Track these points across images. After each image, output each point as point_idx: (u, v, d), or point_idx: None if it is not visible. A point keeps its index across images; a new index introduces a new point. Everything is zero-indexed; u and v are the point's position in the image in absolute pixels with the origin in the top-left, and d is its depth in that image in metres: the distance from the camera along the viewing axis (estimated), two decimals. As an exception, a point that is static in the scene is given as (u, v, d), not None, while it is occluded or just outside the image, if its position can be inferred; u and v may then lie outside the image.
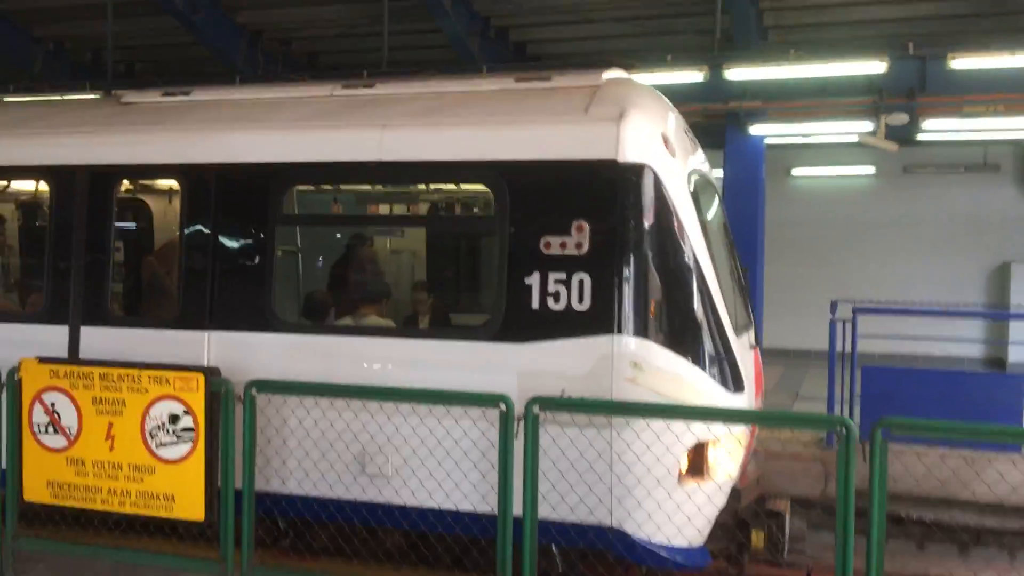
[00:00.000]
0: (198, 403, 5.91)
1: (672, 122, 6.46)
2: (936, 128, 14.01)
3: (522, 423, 5.15)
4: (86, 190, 7.02)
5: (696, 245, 6.08)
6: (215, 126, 6.95)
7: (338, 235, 8.81)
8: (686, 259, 6.02)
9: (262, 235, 6.61)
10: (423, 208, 9.12)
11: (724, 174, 15.17)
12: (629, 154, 5.90)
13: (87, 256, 6.97)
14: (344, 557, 6.39)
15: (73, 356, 6.85)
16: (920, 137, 14.88)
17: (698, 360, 5.95)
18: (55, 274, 7.05)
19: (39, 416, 6.30)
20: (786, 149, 19.50)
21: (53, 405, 6.26)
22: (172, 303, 7.06)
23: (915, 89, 13.34)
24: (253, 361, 6.37)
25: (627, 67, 7.69)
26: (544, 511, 5.49)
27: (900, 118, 13.28)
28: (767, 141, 15.62)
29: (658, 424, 5.50)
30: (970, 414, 8.55)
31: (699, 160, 6.98)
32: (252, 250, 6.64)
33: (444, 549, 6.29)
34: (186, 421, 5.94)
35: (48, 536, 6.51)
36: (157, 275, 8.28)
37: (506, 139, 6.21)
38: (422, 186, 8.20)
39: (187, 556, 6.26)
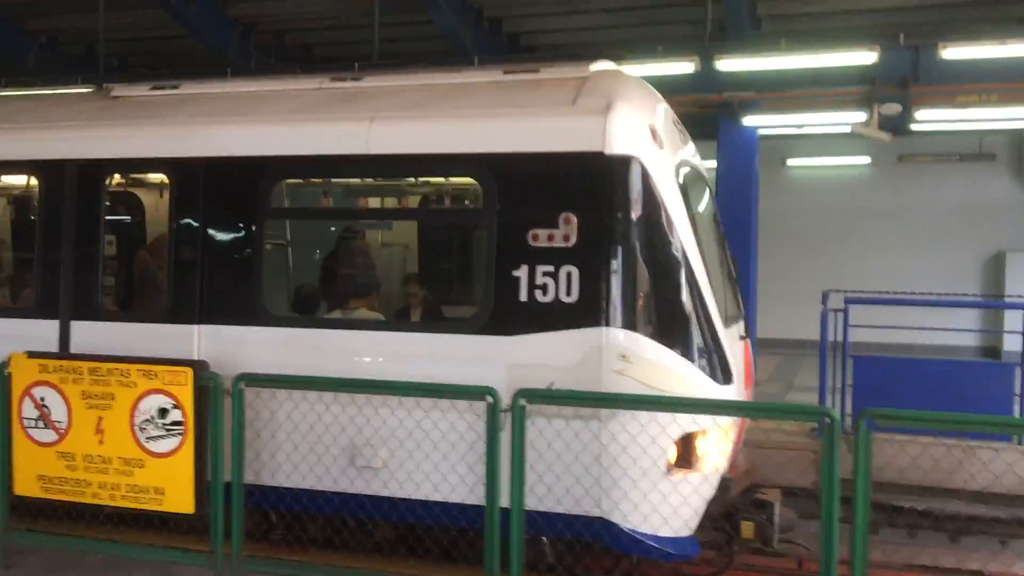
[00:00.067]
0: (187, 397, 5.93)
1: (660, 114, 6.45)
2: (929, 118, 14.01)
3: (509, 415, 5.16)
4: (75, 184, 7.01)
5: (684, 237, 6.06)
6: (203, 120, 6.94)
7: (327, 228, 8.80)
8: (674, 251, 6.01)
9: (251, 229, 6.60)
10: (412, 201, 9.12)
11: (717, 165, 15.16)
12: (616, 146, 5.88)
13: (77, 251, 6.97)
14: (334, 549, 6.41)
15: (63, 351, 6.84)
16: (914, 127, 14.87)
17: (686, 352, 5.94)
18: (45, 269, 7.05)
19: (29, 410, 6.32)
20: (781, 140, 19.49)
21: (43, 399, 6.29)
22: (162, 297, 7.06)
23: (908, 79, 13.32)
24: (243, 355, 6.37)
25: (618, 58, 7.67)
26: (532, 502, 5.51)
27: (893, 108, 13.29)
28: (761, 132, 15.63)
29: (645, 415, 5.52)
30: (961, 403, 8.56)
31: (689, 152, 6.97)
32: (241, 244, 6.64)
33: (433, 541, 6.31)
34: (175, 415, 5.96)
35: (39, 530, 6.54)
36: (150, 269, 8.29)
37: (493, 131, 6.20)
38: (410, 179, 8.18)
39: (177, 549, 6.30)
